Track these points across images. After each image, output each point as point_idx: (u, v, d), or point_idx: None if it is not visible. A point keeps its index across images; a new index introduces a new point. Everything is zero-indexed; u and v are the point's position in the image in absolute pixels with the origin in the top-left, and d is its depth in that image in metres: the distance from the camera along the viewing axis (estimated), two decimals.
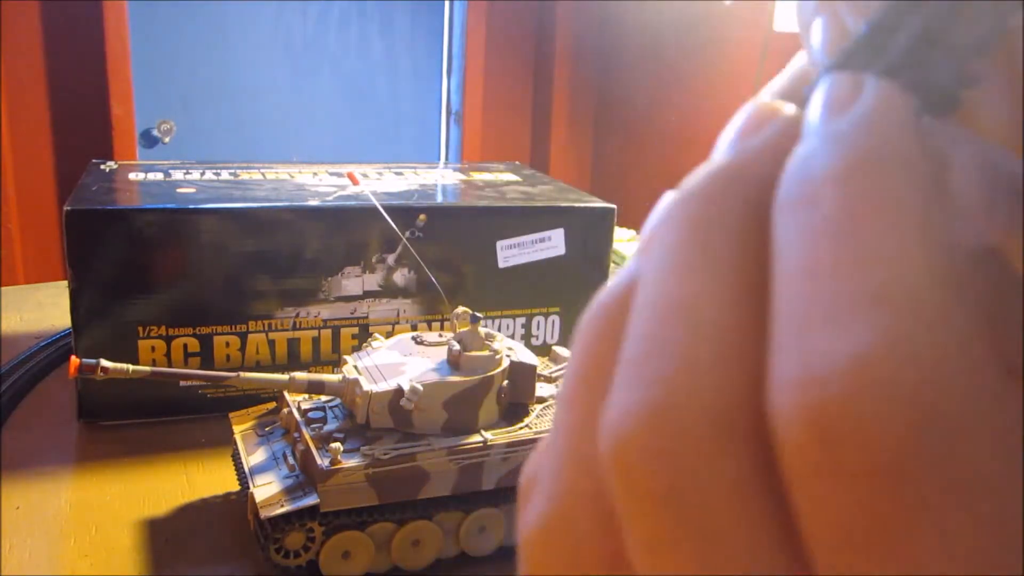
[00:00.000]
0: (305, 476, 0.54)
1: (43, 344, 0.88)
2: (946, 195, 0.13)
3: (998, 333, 0.12)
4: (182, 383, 0.74)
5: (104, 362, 0.55)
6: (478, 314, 0.57)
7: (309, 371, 0.67)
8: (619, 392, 0.12)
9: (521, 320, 0.83)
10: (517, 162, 1.08)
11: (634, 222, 1.44)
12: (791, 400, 0.11)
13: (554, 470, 0.14)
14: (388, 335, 0.66)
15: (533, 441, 0.56)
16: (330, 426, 0.56)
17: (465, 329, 0.58)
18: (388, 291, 0.78)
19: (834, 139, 0.12)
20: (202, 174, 0.85)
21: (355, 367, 0.58)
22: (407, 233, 0.76)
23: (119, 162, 0.90)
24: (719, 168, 0.14)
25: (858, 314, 0.11)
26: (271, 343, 0.75)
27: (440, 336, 0.61)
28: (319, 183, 0.84)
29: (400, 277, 0.78)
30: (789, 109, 0.14)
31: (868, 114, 0.13)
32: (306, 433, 0.55)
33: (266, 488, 0.53)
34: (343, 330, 0.77)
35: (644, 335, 0.13)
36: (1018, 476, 0.10)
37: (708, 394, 0.12)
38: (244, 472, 0.56)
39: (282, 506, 0.52)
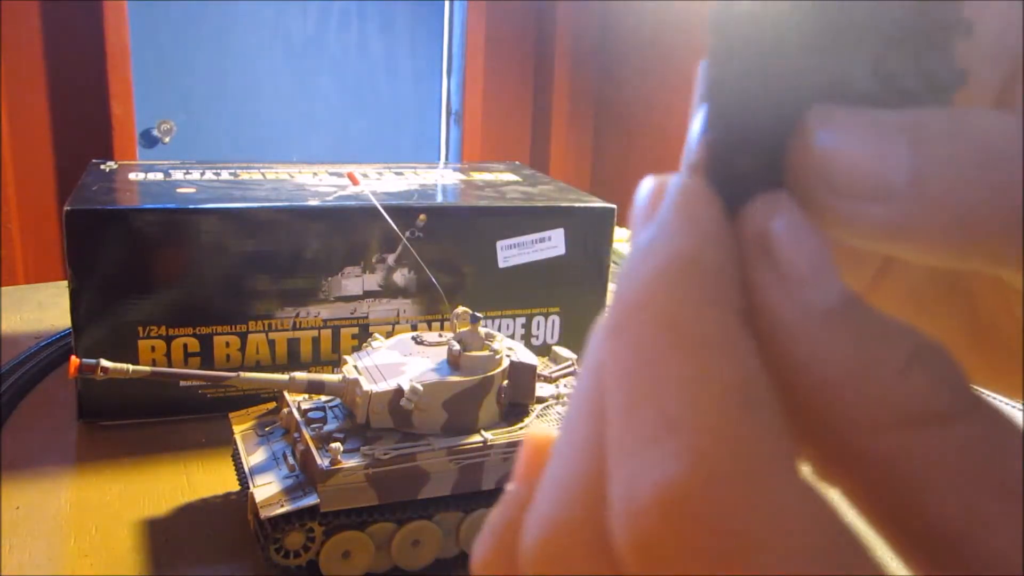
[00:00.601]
0: (305, 476, 0.54)
1: (43, 344, 0.88)
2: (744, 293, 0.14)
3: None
4: (182, 383, 0.74)
5: (104, 362, 0.55)
6: (478, 314, 0.57)
7: (309, 371, 0.67)
8: (532, 510, 0.14)
9: (521, 320, 0.83)
10: (517, 162, 1.08)
11: None
12: (617, 529, 0.12)
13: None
14: (388, 335, 0.66)
15: None
16: (330, 426, 0.56)
17: (465, 329, 0.58)
18: (388, 291, 0.78)
19: (634, 257, 0.13)
20: (202, 174, 0.85)
21: (355, 367, 0.58)
22: (407, 233, 0.76)
23: (119, 162, 0.90)
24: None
25: (659, 443, 0.11)
26: (271, 343, 0.75)
27: (440, 336, 0.61)
28: (319, 183, 0.84)
29: (400, 277, 0.78)
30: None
31: (665, 225, 0.13)
32: (306, 433, 0.55)
33: (266, 488, 0.53)
34: (343, 330, 0.77)
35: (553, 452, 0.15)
36: (829, 565, 0.11)
37: (579, 516, 0.13)
38: (244, 472, 0.56)
39: (282, 506, 0.52)
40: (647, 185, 0.15)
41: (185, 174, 0.85)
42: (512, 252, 0.81)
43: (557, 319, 0.84)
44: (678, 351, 0.12)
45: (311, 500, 0.52)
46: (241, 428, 0.61)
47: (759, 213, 0.14)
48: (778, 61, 0.14)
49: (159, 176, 0.84)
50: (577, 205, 0.84)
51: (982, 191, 0.13)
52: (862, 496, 0.13)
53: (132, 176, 0.84)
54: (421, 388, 0.54)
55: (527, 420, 0.58)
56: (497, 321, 0.82)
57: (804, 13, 0.14)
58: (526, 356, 0.60)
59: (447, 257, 0.79)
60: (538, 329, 0.84)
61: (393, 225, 0.75)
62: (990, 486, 0.12)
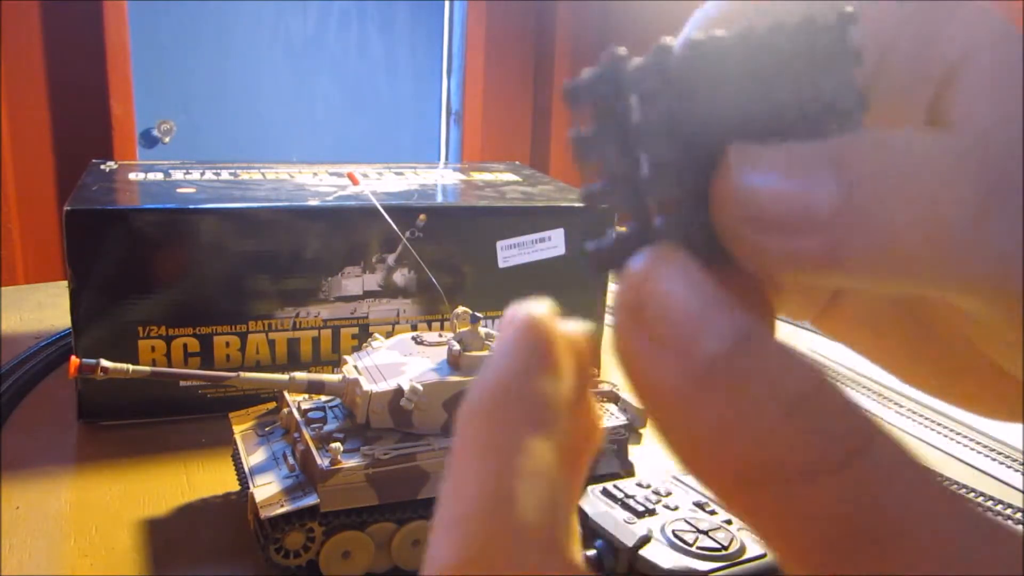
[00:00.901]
0: (305, 476, 0.54)
1: (43, 344, 0.88)
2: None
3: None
4: (182, 383, 0.74)
5: (104, 362, 0.55)
6: (478, 314, 0.57)
7: (309, 371, 0.67)
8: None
9: None
10: (517, 162, 1.08)
11: None
12: None
13: None
14: (388, 335, 0.66)
15: None
16: (330, 426, 0.56)
17: (465, 329, 0.58)
18: (388, 291, 0.78)
19: (479, 374, 0.16)
20: (202, 174, 0.85)
21: (355, 367, 0.58)
22: (407, 233, 0.76)
23: (119, 162, 0.90)
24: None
25: (447, 532, 0.14)
26: (271, 343, 0.75)
27: (440, 336, 0.61)
28: (319, 183, 0.84)
29: (400, 277, 0.78)
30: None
31: (496, 355, 0.16)
32: (306, 433, 0.55)
33: (266, 488, 0.53)
34: (343, 330, 0.77)
35: None
36: None
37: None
38: (244, 472, 0.56)
39: (282, 506, 0.52)
40: (508, 311, 0.16)
41: (185, 174, 0.85)
42: (512, 252, 0.81)
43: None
44: (471, 460, 0.15)
45: (311, 500, 0.52)
46: (241, 428, 0.61)
47: (632, 277, 0.14)
48: (692, 107, 0.14)
49: (159, 176, 0.84)
50: (577, 205, 0.84)
51: (908, 214, 0.13)
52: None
53: (132, 176, 0.84)
54: (421, 388, 0.54)
55: None
56: (497, 321, 0.82)
57: (708, 58, 0.14)
58: None
59: (447, 257, 0.79)
60: None
61: (393, 225, 0.75)
62: (863, 539, 0.12)
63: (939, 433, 0.76)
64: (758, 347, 0.13)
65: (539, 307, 0.16)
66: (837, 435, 0.12)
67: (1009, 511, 0.66)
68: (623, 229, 0.15)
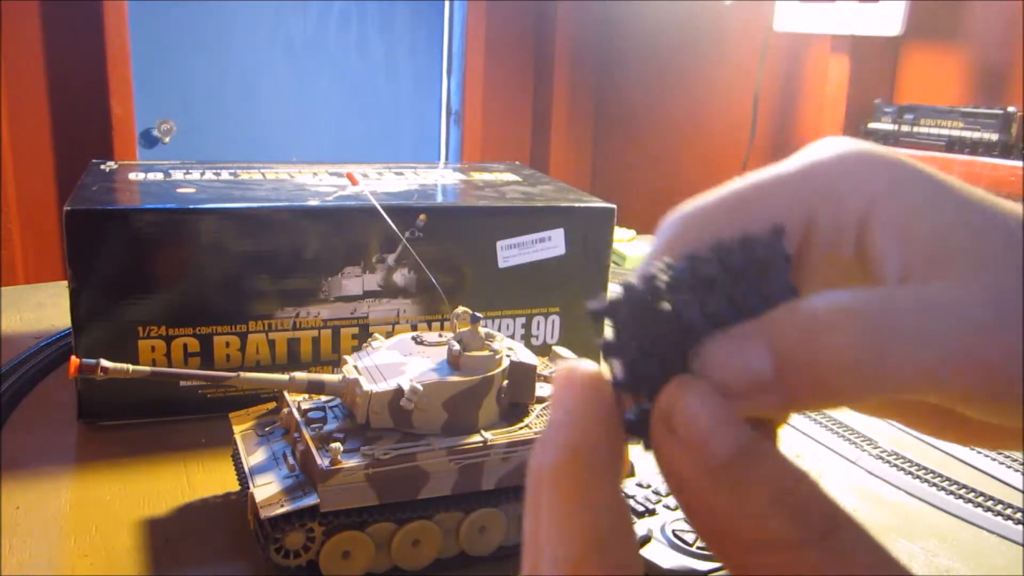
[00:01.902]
0: (305, 476, 0.54)
1: (43, 344, 0.88)
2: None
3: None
4: (182, 383, 0.74)
5: (104, 362, 0.55)
6: (478, 314, 0.57)
7: (309, 371, 0.67)
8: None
9: (521, 320, 0.83)
10: (517, 162, 1.08)
11: (634, 222, 1.44)
12: None
13: None
14: (388, 335, 0.66)
15: (533, 441, 0.57)
16: (330, 426, 0.56)
17: (465, 329, 0.58)
18: (388, 291, 0.78)
19: (545, 432, 0.19)
20: (202, 174, 0.85)
21: (355, 367, 0.58)
22: (407, 233, 0.76)
23: (119, 162, 0.90)
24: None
25: (557, 568, 0.18)
26: (271, 343, 0.75)
27: (440, 336, 0.61)
28: (319, 183, 0.84)
29: (400, 277, 0.78)
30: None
31: (563, 414, 0.19)
32: (306, 433, 0.55)
33: (266, 488, 0.53)
34: (343, 330, 0.77)
35: None
36: None
37: None
38: (244, 472, 0.56)
39: (282, 506, 0.52)
40: (561, 369, 0.20)
41: (185, 174, 0.85)
42: (512, 252, 0.81)
43: (557, 319, 0.84)
44: (567, 510, 0.18)
45: (311, 500, 0.52)
46: (241, 428, 0.61)
47: (663, 400, 0.18)
48: (663, 306, 0.19)
49: (159, 176, 0.84)
50: (577, 205, 0.84)
51: (829, 362, 0.18)
52: None
53: (132, 176, 0.84)
54: (421, 388, 0.54)
55: (527, 420, 0.58)
56: (497, 321, 0.82)
57: (679, 276, 0.19)
58: (526, 356, 0.60)
59: (447, 257, 0.79)
60: (538, 329, 0.84)
61: (393, 225, 0.75)
62: None
63: None
64: (755, 453, 0.17)
65: (590, 367, 0.19)
66: (813, 520, 0.17)
67: (1009, 511, 0.66)
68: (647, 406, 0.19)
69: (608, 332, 0.20)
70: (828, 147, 0.22)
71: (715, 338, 0.19)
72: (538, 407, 0.60)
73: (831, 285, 0.20)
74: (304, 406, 0.58)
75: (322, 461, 0.52)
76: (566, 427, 0.19)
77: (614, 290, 0.19)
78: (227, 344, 0.74)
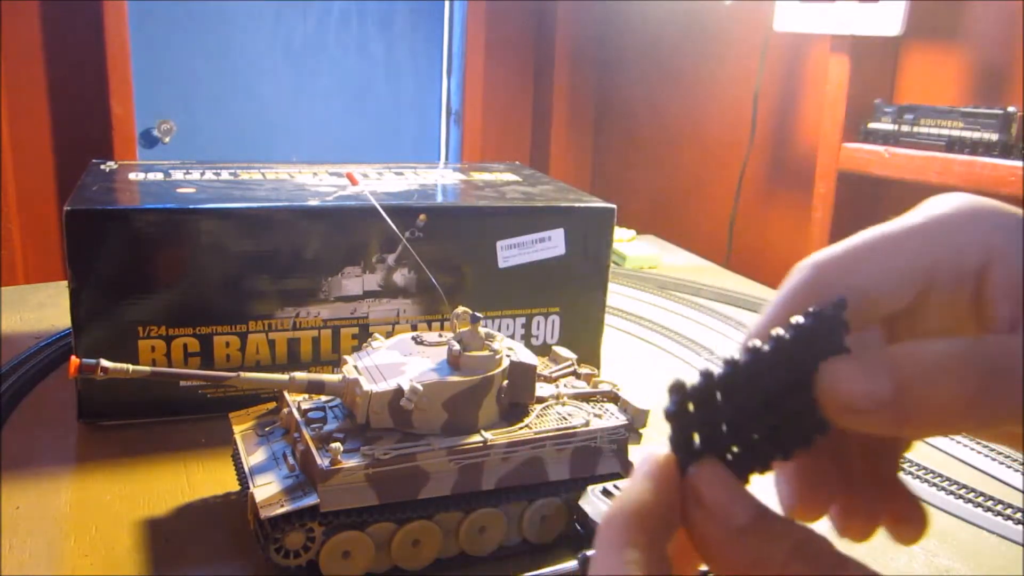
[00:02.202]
0: (305, 476, 0.54)
1: (43, 344, 0.88)
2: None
3: None
4: (182, 383, 0.74)
5: (104, 362, 0.55)
6: (478, 314, 0.57)
7: (309, 371, 0.67)
8: None
9: (521, 320, 0.83)
10: (517, 162, 1.08)
11: (634, 222, 1.44)
12: None
13: None
14: (388, 335, 0.66)
15: (533, 441, 0.57)
16: (330, 426, 0.56)
17: (465, 329, 0.58)
18: (388, 291, 0.78)
19: (628, 487, 0.23)
20: (202, 174, 0.85)
21: (355, 367, 0.58)
22: (407, 233, 0.76)
23: (119, 162, 0.90)
24: None
25: None
26: (271, 343, 0.75)
27: (440, 336, 0.61)
28: (319, 183, 0.84)
29: (400, 277, 0.78)
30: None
31: (633, 481, 0.23)
32: (306, 433, 0.55)
33: (266, 488, 0.53)
34: (343, 330, 0.77)
35: None
36: None
37: None
38: (244, 472, 0.56)
39: (282, 506, 0.52)
40: (645, 454, 0.24)
41: (185, 174, 0.85)
42: (512, 252, 0.81)
43: (557, 319, 0.84)
44: (640, 558, 0.21)
45: (311, 500, 0.52)
46: (241, 428, 0.61)
47: (692, 477, 0.23)
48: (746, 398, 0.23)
49: (159, 176, 0.84)
50: (577, 205, 0.84)
51: (937, 396, 0.21)
52: None
53: (132, 176, 0.84)
54: (421, 388, 0.54)
55: (527, 420, 0.58)
56: (497, 321, 0.82)
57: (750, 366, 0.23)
58: (526, 356, 0.60)
59: (447, 257, 0.79)
60: (538, 329, 0.84)
61: (392, 225, 0.75)
62: None
63: None
64: (772, 515, 0.22)
65: (665, 453, 0.23)
66: (824, 562, 0.21)
67: (1009, 511, 0.66)
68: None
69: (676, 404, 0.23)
70: (948, 202, 0.25)
71: (845, 360, 0.23)
72: (538, 407, 0.60)
73: (948, 327, 0.24)
74: (304, 406, 0.58)
75: (322, 461, 0.52)
76: (635, 490, 0.23)
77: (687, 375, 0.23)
78: (227, 344, 0.74)
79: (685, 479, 0.23)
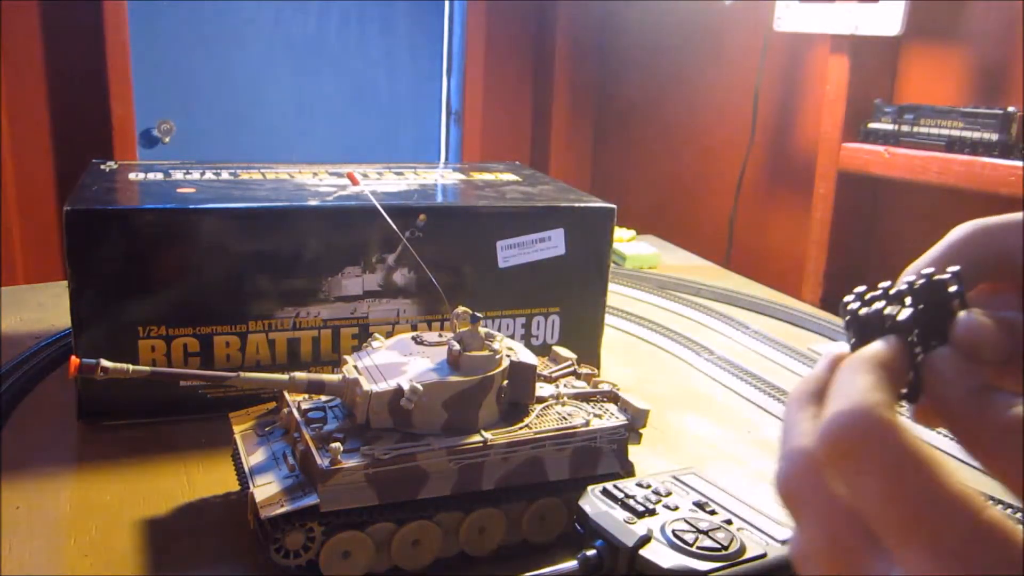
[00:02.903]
0: (305, 476, 0.54)
1: (43, 344, 0.88)
2: None
3: None
4: (182, 383, 0.74)
5: (104, 362, 0.55)
6: (478, 314, 0.57)
7: (309, 371, 0.67)
8: None
9: (521, 320, 0.83)
10: (517, 162, 1.08)
11: (634, 222, 1.44)
12: None
13: None
14: (388, 335, 0.66)
15: (533, 441, 0.57)
16: (330, 426, 0.56)
17: (465, 329, 0.58)
18: (388, 291, 0.78)
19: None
20: (202, 174, 0.85)
21: (355, 367, 0.58)
22: (407, 233, 0.76)
23: (119, 162, 0.90)
24: None
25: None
26: (271, 343, 0.75)
27: (440, 336, 0.61)
28: (319, 183, 0.84)
29: (400, 277, 0.78)
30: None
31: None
32: (306, 433, 0.55)
33: (266, 488, 0.53)
34: (343, 330, 0.77)
35: None
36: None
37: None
38: (244, 472, 0.56)
39: (282, 506, 0.52)
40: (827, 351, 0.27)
41: (185, 174, 0.85)
42: (512, 252, 0.81)
43: (557, 319, 0.84)
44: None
45: (311, 500, 0.52)
46: (241, 428, 0.61)
47: (930, 357, 0.25)
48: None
49: (159, 176, 0.84)
50: (577, 205, 0.84)
51: None
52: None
53: (132, 176, 0.84)
54: (421, 388, 0.54)
55: (527, 420, 0.58)
56: (497, 321, 0.82)
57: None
58: (526, 356, 0.60)
59: (447, 257, 0.79)
60: (538, 329, 0.84)
61: (393, 225, 0.75)
62: None
63: (940, 433, 0.76)
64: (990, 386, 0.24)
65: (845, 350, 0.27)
66: None
67: (1009, 511, 0.66)
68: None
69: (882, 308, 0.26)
70: None
71: (974, 313, 0.25)
72: (538, 407, 0.60)
73: None
74: (304, 406, 0.58)
75: (322, 461, 0.52)
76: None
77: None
78: (227, 344, 0.74)
79: (927, 358, 0.25)
